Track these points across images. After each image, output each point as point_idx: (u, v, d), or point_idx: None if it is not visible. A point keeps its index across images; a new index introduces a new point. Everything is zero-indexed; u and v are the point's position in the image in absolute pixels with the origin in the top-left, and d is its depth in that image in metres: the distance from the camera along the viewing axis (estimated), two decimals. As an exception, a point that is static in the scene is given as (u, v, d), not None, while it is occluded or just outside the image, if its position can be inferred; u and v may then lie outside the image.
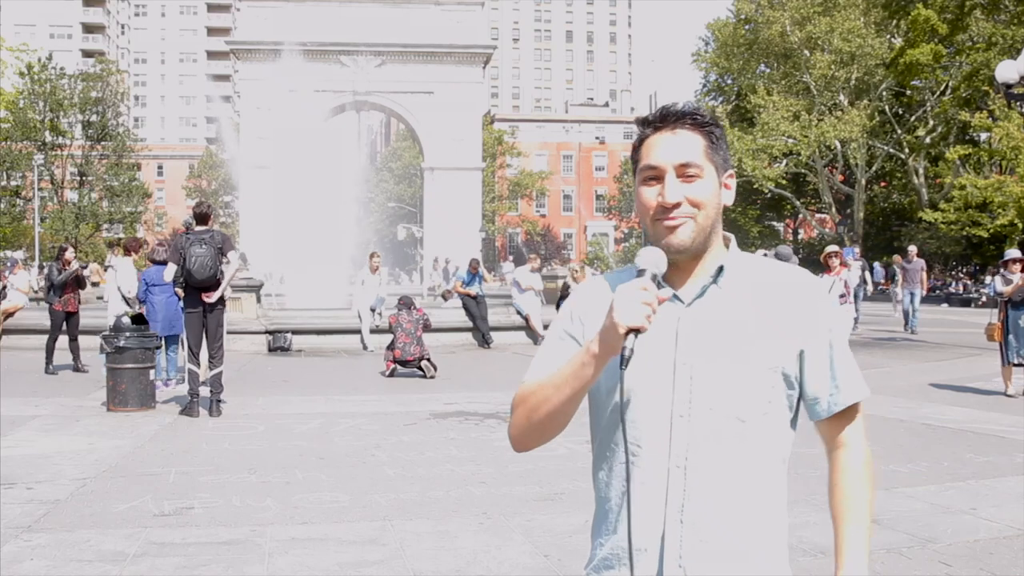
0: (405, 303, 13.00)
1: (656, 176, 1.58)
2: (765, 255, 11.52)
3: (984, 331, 11.27)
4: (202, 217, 9.31)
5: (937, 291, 36.17)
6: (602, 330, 1.47)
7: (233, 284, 17.00)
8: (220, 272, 9.04)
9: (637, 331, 1.42)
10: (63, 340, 12.79)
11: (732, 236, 1.69)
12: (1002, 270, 10.98)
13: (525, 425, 1.62)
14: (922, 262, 20.42)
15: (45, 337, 12.95)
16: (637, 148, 1.64)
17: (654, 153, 1.59)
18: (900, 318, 20.19)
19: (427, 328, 12.78)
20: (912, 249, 21.00)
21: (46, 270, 13.88)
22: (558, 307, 18.55)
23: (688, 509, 1.52)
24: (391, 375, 12.46)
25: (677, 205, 1.55)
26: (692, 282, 1.60)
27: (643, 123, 1.64)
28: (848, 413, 1.64)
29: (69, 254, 12.86)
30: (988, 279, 40.74)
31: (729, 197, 1.64)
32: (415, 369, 12.48)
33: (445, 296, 18.23)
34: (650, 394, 1.55)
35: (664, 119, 1.60)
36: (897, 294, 22.47)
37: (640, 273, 1.49)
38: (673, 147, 1.58)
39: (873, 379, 11.77)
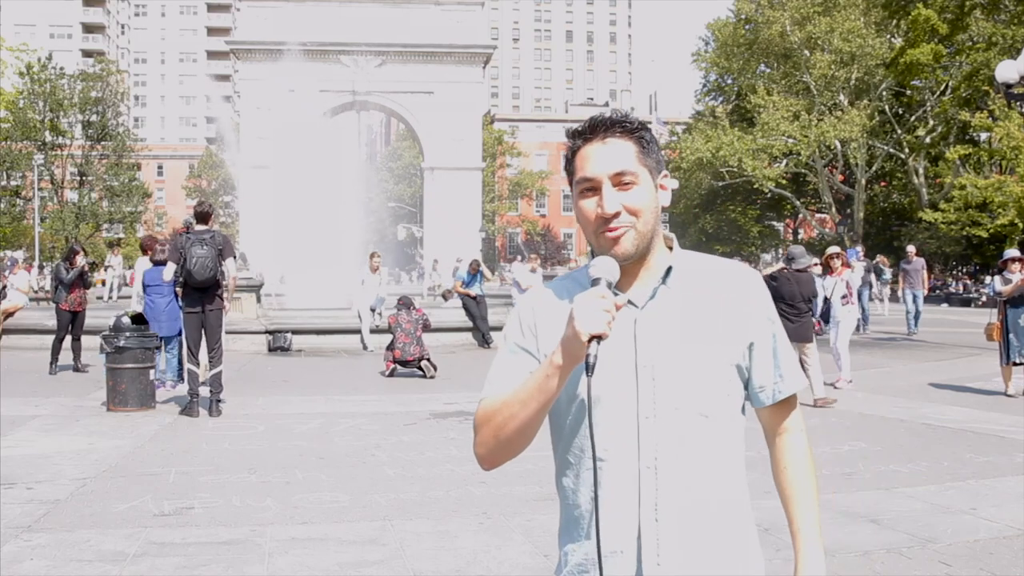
0: (404, 303, 13.01)
1: (592, 187, 1.60)
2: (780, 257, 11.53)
3: (984, 331, 11.28)
4: (203, 216, 9.31)
5: (937, 291, 36.18)
6: (563, 340, 1.49)
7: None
8: (220, 273, 9.05)
9: (599, 338, 1.44)
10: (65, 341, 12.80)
11: (674, 236, 1.71)
12: (1003, 271, 10.99)
13: (493, 443, 1.63)
14: (922, 261, 20.12)
15: (45, 337, 12.96)
16: (571, 160, 1.65)
17: (588, 165, 1.60)
18: (901, 319, 20.14)
19: (426, 328, 12.78)
20: (911, 249, 20.66)
21: (54, 269, 13.91)
22: None
23: (662, 507, 1.55)
24: (391, 375, 12.46)
25: (616, 214, 1.58)
26: (641, 285, 1.63)
27: (573, 135, 1.65)
28: (789, 401, 1.72)
29: (80, 259, 12.87)
30: (988, 279, 40.77)
31: (666, 198, 1.67)
32: (415, 369, 12.49)
33: (446, 296, 18.23)
34: (615, 398, 1.57)
35: (594, 129, 1.62)
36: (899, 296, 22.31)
37: (595, 282, 1.51)
38: (606, 157, 1.60)
39: (873, 379, 11.83)
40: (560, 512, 1.70)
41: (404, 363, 12.42)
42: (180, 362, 10.76)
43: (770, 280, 10.26)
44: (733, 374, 1.63)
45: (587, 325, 1.44)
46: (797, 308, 9.97)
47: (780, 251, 58.42)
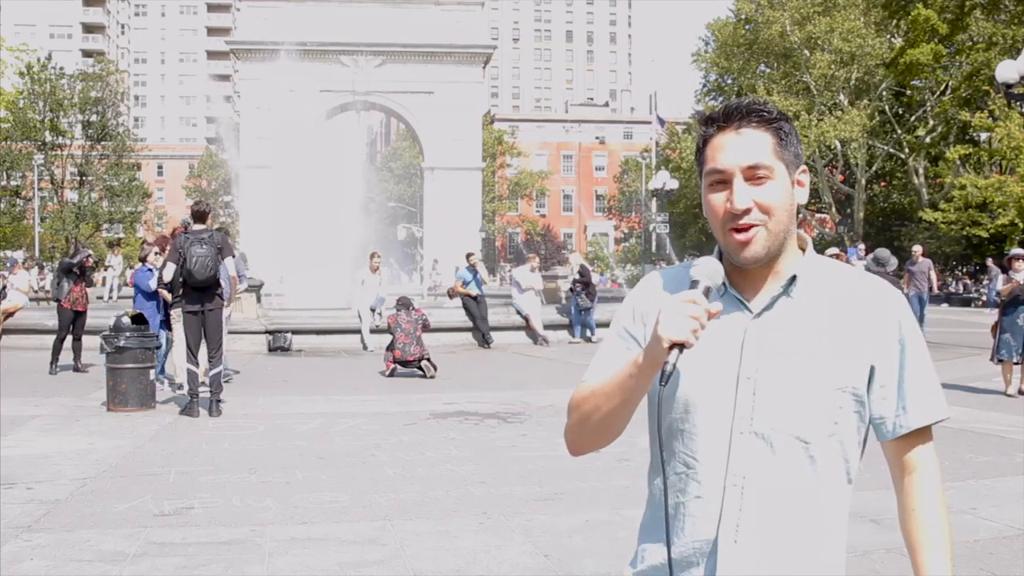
0: (404, 303, 13.01)
1: (723, 180, 1.49)
2: (864, 257, 11.56)
3: (990, 330, 11.28)
4: (200, 216, 9.32)
5: (937, 291, 36.11)
6: (648, 343, 1.41)
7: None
8: (218, 272, 9.07)
9: (682, 346, 1.35)
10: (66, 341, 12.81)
11: (809, 239, 1.59)
12: (1008, 269, 11.01)
13: (578, 431, 1.58)
14: (929, 262, 19.10)
15: (45, 337, 12.96)
16: (701, 150, 1.54)
17: (720, 155, 1.49)
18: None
19: (426, 328, 12.78)
20: (917, 249, 19.43)
21: (59, 263, 14.07)
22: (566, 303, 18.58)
23: (743, 529, 1.46)
24: (391, 375, 12.46)
25: (747, 211, 1.46)
26: (763, 291, 1.52)
27: (706, 122, 1.54)
28: (919, 435, 1.56)
29: (85, 251, 13.08)
30: (986, 279, 40.77)
31: (803, 195, 1.55)
32: (415, 369, 12.49)
33: (450, 294, 18.24)
34: (710, 407, 1.49)
35: (728, 117, 1.51)
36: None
37: (693, 284, 1.42)
38: (739, 148, 1.48)
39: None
40: (645, 506, 1.64)
41: (404, 363, 12.43)
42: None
43: None
44: (846, 400, 1.49)
45: (669, 331, 1.35)
46: None
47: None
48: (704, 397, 1.50)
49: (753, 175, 1.48)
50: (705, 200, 1.53)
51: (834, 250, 12.53)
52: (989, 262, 32.20)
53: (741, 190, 1.47)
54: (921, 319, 18.22)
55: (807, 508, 1.48)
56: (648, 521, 1.62)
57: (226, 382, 11.11)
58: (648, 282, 1.64)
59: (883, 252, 10.96)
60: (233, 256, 9.72)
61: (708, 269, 1.44)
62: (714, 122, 1.52)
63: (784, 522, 1.47)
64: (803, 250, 1.57)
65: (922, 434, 1.57)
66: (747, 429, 1.47)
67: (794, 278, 1.51)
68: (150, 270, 11.23)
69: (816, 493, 1.49)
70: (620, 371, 1.48)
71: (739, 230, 1.48)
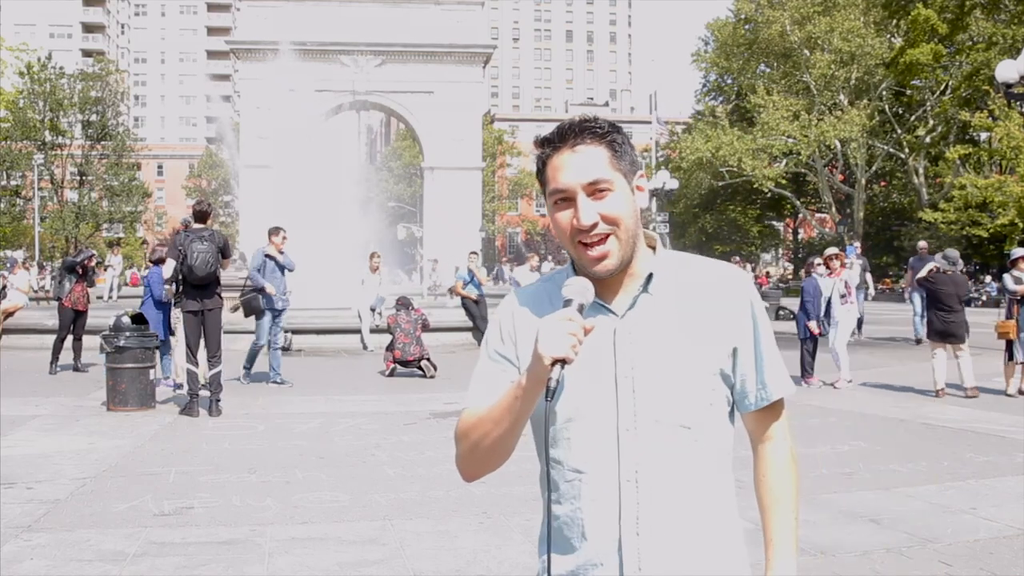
0: (403, 303, 13.01)
1: (567, 198, 1.54)
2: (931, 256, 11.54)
3: (995, 329, 11.21)
4: (201, 215, 9.33)
5: None
6: (530, 363, 1.45)
7: (233, 284, 17.03)
8: (218, 270, 9.09)
9: (564, 361, 1.40)
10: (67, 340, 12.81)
11: (657, 236, 1.66)
12: (1012, 269, 11.00)
13: (470, 458, 1.63)
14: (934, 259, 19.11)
15: (45, 337, 12.96)
16: (541, 171, 1.59)
17: (560, 175, 1.54)
18: (902, 318, 19.90)
19: (426, 328, 12.78)
20: (922, 244, 18.48)
21: (61, 261, 14.10)
22: None
23: (643, 521, 1.51)
24: (391, 375, 12.46)
25: (594, 225, 1.52)
26: (623, 293, 1.58)
27: (542, 143, 1.60)
28: (774, 407, 1.65)
29: (88, 251, 13.06)
30: (987, 279, 40.74)
31: (643, 199, 1.61)
32: (415, 369, 12.48)
33: (452, 292, 18.23)
34: (594, 411, 1.54)
35: (563, 137, 1.57)
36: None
37: (566, 303, 1.46)
38: (577, 166, 1.54)
39: (873, 379, 11.81)
40: (542, 519, 1.67)
41: (404, 363, 12.43)
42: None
43: (928, 281, 10.58)
44: (717, 382, 1.57)
45: (550, 349, 1.40)
46: (954, 308, 10.45)
47: (780, 251, 58.44)
48: (586, 403, 1.54)
49: (594, 190, 1.53)
50: (552, 219, 1.59)
51: (833, 249, 12.49)
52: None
53: (585, 206, 1.53)
54: (924, 320, 17.63)
55: (699, 489, 1.55)
56: (545, 533, 1.65)
57: (279, 383, 11.18)
58: (509, 303, 1.69)
59: (953, 252, 11.11)
60: (233, 255, 9.74)
61: (579, 287, 1.48)
62: (550, 143, 1.58)
63: (681, 506, 1.53)
64: (653, 248, 1.64)
65: (778, 405, 1.66)
66: (632, 426, 1.53)
67: (651, 276, 1.58)
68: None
69: (704, 473, 1.55)
70: (505, 395, 1.53)
71: (589, 245, 1.54)
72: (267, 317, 11.41)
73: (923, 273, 11.26)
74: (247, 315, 11.33)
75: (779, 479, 1.64)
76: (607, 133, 1.57)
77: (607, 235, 1.53)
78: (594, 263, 1.54)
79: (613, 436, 1.53)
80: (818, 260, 12.11)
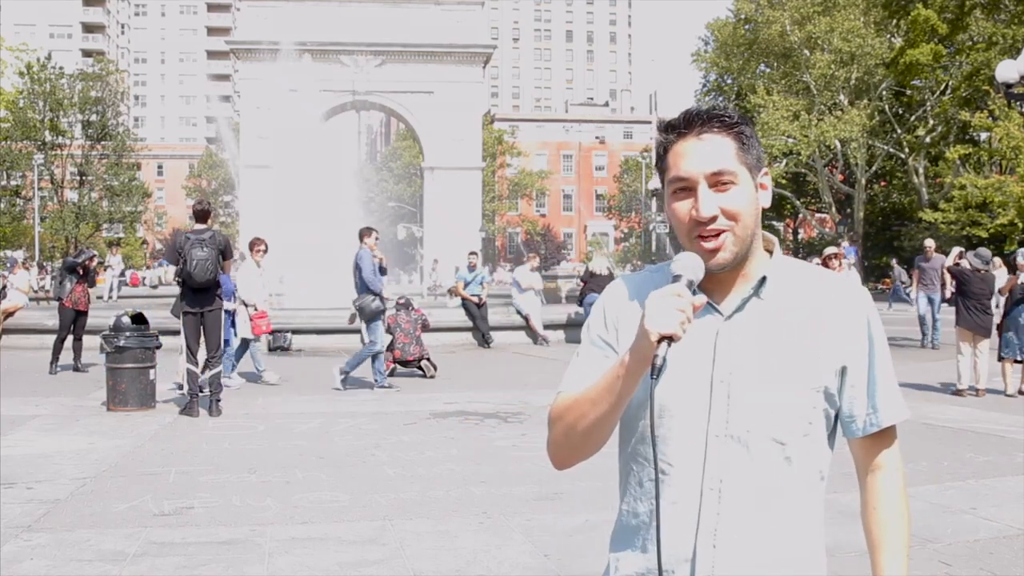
0: (404, 303, 13.01)
1: (687, 187, 1.48)
2: (962, 252, 11.63)
3: (995, 329, 11.30)
4: (202, 215, 9.33)
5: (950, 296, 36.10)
6: (635, 340, 1.39)
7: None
8: (219, 274, 9.10)
9: (671, 339, 1.34)
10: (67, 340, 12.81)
11: (775, 240, 1.59)
12: (1018, 270, 11.04)
13: (563, 443, 1.54)
14: (943, 259, 16.56)
15: (45, 337, 12.97)
16: (662, 157, 1.52)
17: (682, 163, 1.48)
18: (900, 318, 19.75)
19: (425, 328, 12.78)
20: (929, 243, 17.33)
21: (61, 262, 14.10)
22: (580, 302, 18.48)
23: (721, 533, 1.45)
24: (391, 375, 12.45)
25: (713, 218, 1.46)
26: (733, 294, 1.52)
27: (666, 129, 1.53)
28: (886, 434, 1.57)
29: (89, 251, 13.05)
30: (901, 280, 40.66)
31: (766, 198, 1.54)
32: (415, 369, 12.48)
33: (451, 293, 18.22)
34: (685, 411, 1.48)
35: (689, 124, 1.50)
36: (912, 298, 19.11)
37: (675, 279, 1.40)
38: (702, 155, 1.47)
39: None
40: (617, 515, 1.62)
41: (404, 363, 12.43)
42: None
43: (962, 277, 10.94)
44: (819, 400, 1.49)
45: (657, 324, 1.33)
46: (985, 305, 10.73)
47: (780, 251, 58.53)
48: (678, 401, 1.48)
49: (717, 181, 1.47)
50: (669, 208, 1.52)
51: (832, 249, 12.48)
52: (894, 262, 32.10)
53: (706, 197, 1.46)
54: (934, 324, 16.42)
55: (785, 509, 1.48)
56: (619, 530, 1.59)
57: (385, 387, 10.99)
58: (616, 288, 1.62)
59: (985, 251, 11.23)
60: (234, 257, 9.72)
61: (689, 263, 1.43)
62: (675, 129, 1.51)
63: (763, 524, 1.46)
64: (770, 252, 1.57)
65: (889, 432, 1.58)
66: (723, 432, 1.46)
67: (764, 279, 1.51)
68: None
69: (793, 493, 1.48)
70: (606, 375, 1.45)
71: (706, 238, 1.47)
72: (381, 320, 11.16)
73: (950, 261, 11.47)
74: (365, 320, 11.07)
75: (891, 512, 1.56)
76: (736, 124, 1.50)
77: (724, 231, 1.47)
78: (709, 255, 1.46)
79: (702, 440, 1.47)
80: (817, 260, 12.08)
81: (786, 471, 1.47)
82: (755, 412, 1.46)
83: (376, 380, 11.19)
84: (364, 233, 11.37)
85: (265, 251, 12.09)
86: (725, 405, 1.47)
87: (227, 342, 10.90)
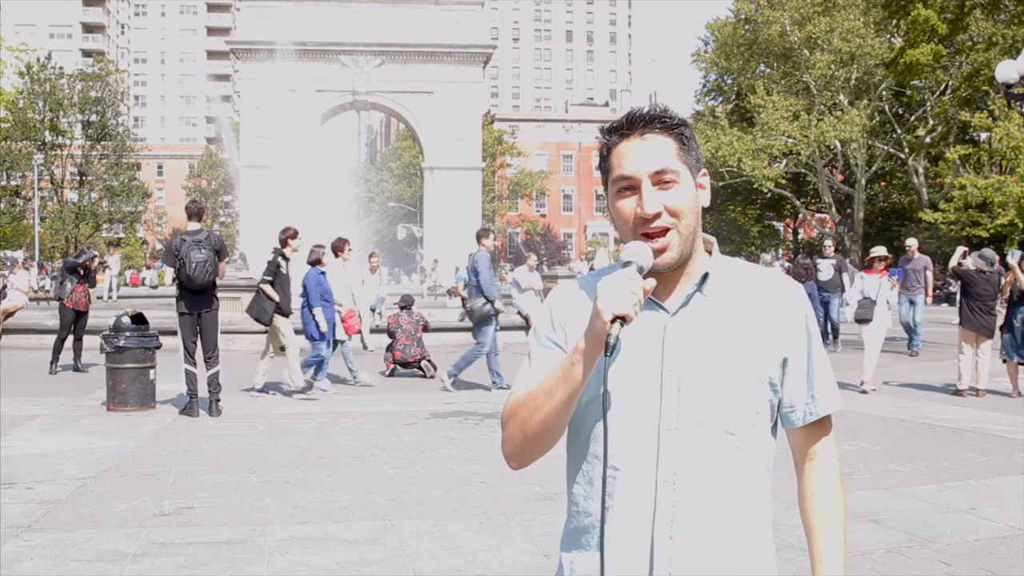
0: (405, 304, 13.01)
1: (631, 186, 1.52)
2: (967, 253, 11.57)
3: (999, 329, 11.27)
4: (196, 214, 9.31)
5: (937, 290, 36.12)
6: (588, 324, 1.43)
7: (233, 284, 17.05)
8: (216, 276, 9.10)
9: (623, 320, 1.38)
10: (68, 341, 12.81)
11: (714, 240, 1.63)
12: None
13: (519, 439, 1.54)
14: (926, 260, 16.20)
15: (45, 337, 12.97)
16: (605, 158, 1.57)
17: (626, 162, 1.52)
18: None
19: (426, 329, 12.79)
20: (911, 243, 16.32)
21: (62, 263, 14.04)
22: None
23: (678, 524, 1.48)
24: (391, 375, 12.46)
25: (657, 215, 1.50)
26: (677, 291, 1.55)
27: (609, 131, 1.57)
28: (823, 423, 1.62)
29: (90, 251, 13.03)
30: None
31: (705, 197, 1.59)
32: (415, 369, 12.49)
33: (451, 293, 18.23)
34: (636, 406, 1.50)
35: (632, 125, 1.54)
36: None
37: (626, 265, 1.45)
38: (645, 154, 1.51)
39: (873, 379, 11.74)
40: (567, 516, 1.62)
41: (405, 364, 12.43)
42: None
43: (967, 278, 10.90)
44: (764, 390, 1.54)
45: (611, 305, 1.38)
46: (989, 306, 10.70)
47: (780, 251, 58.48)
48: (629, 397, 1.50)
49: (660, 180, 1.51)
50: (613, 207, 1.56)
51: (880, 250, 11.72)
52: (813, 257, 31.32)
53: (650, 195, 1.50)
54: (915, 328, 15.27)
55: (738, 497, 1.51)
56: (571, 530, 1.60)
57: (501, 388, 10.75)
58: (562, 291, 1.65)
59: (989, 252, 11.17)
60: (228, 258, 9.70)
61: (639, 250, 1.47)
62: (618, 130, 1.56)
63: (717, 513, 1.49)
64: (709, 252, 1.61)
65: (826, 421, 1.63)
66: (674, 425, 1.49)
67: (706, 276, 1.56)
68: (323, 273, 10.93)
69: (744, 483, 1.52)
70: (561, 365, 1.48)
71: (651, 236, 1.51)
72: (494, 323, 11.01)
73: (955, 261, 11.44)
74: (474, 322, 10.97)
75: (828, 498, 1.60)
76: (676, 125, 1.55)
77: (668, 228, 1.51)
78: (655, 255, 1.50)
79: (654, 434, 1.49)
80: (820, 260, 11.94)
81: (737, 460, 1.51)
82: (706, 404, 1.49)
83: (495, 382, 11.05)
84: (482, 235, 11.21)
85: (350, 251, 11.88)
86: (676, 399, 1.49)
87: (322, 343, 10.76)
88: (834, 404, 1.61)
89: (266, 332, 10.62)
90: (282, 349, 10.63)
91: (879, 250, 11.66)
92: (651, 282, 1.45)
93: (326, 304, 10.70)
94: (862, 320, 11.05)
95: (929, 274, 15.62)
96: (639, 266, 1.45)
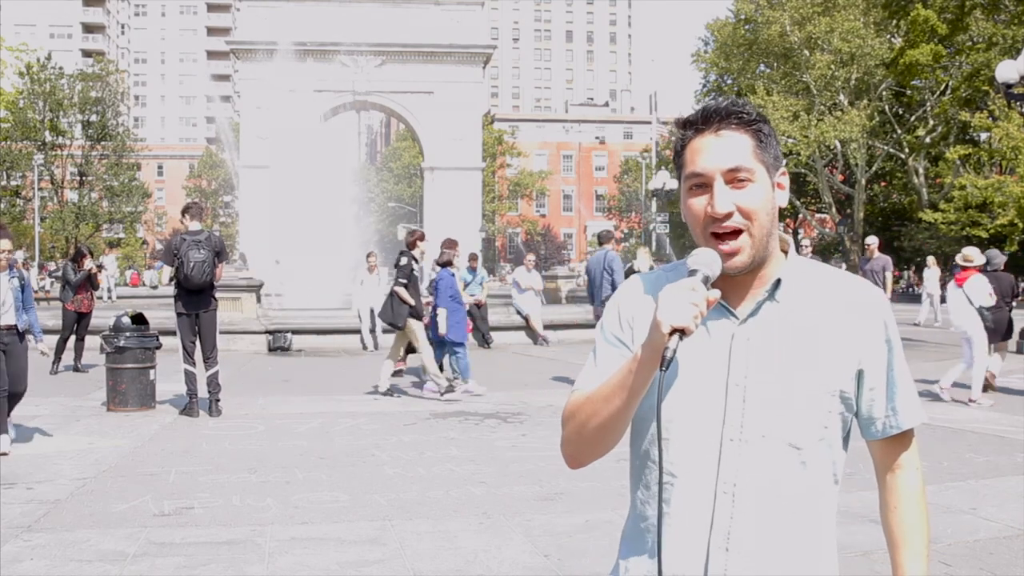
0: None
1: (703, 184, 1.46)
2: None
3: (1020, 333, 11.15)
4: (196, 213, 9.30)
5: (890, 296, 36.03)
6: (647, 333, 1.39)
7: (233, 284, 17.04)
8: (215, 276, 9.09)
9: (683, 332, 1.33)
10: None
11: (790, 240, 1.56)
12: None
13: (576, 440, 1.53)
14: (886, 259, 14.73)
15: (45, 337, 12.91)
16: (680, 153, 1.51)
17: (699, 159, 1.46)
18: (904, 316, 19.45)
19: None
20: (871, 241, 14.89)
21: (61, 270, 13.93)
22: None
23: (735, 536, 1.44)
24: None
25: (728, 215, 1.44)
26: (749, 297, 1.50)
27: (684, 125, 1.51)
28: (904, 436, 1.57)
29: (88, 263, 12.87)
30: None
31: (783, 198, 1.52)
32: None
33: None
34: (700, 415, 1.47)
35: (707, 119, 1.48)
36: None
37: (691, 273, 1.40)
38: (719, 151, 1.45)
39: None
40: (627, 518, 1.60)
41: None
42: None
43: (995, 319, 10.58)
44: (835, 404, 1.48)
45: (670, 316, 1.33)
46: (998, 306, 10.44)
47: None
48: (691, 406, 1.47)
49: (734, 178, 1.45)
50: (685, 205, 1.51)
51: (973, 251, 11.07)
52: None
53: (722, 193, 1.45)
54: None
55: (798, 513, 1.47)
56: (629, 532, 1.58)
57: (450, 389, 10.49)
58: (631, 287, 1.61)
59: (993, 252, 11.08)
60: (228, 259, 9.69)
61: (706, 258, 1.42)
62: (692, 124, 1.50)
63: (776, 528, 1.45)
64: (785, 253, 1.55)
65: (908, 434, 1.58)
66: (737, 436, 1.45)
67: (779, 282, 1.49)
68: (453, 274, 10.88)
69: (807, 497, 1.47)
70: (618, 371, 1.45)
71: (721, 237, 1.46)
72: None
73: (983, 302, 10.29)
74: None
75: (911, 511, 1.56)
76: (754, 121, 1.48)
77: (740, 230, 1.45)
78: (727, 257, 1.44)
79: (716, 444, 1.46)
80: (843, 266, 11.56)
81: (801, 475, 1.46)
82: (771, 416, 1.45)
83: None
84: (607, 238, 11.19)
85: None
86: (740, 409, 1.45)
87: (462, 345, 10.66)
88: (916, 418, 1.55)
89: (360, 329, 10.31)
90: (411, 352, 10.51)
91: (972, 251, 10.53)
92: (716, 292, 1.39)
93: (457, 306, 10.66)
94: (994, 331, 10.39)
95: (888, 275, 14.59)
96: (705, 275, 1.40)
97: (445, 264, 10.76)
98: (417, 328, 10.25)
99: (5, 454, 6.90)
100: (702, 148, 1.47)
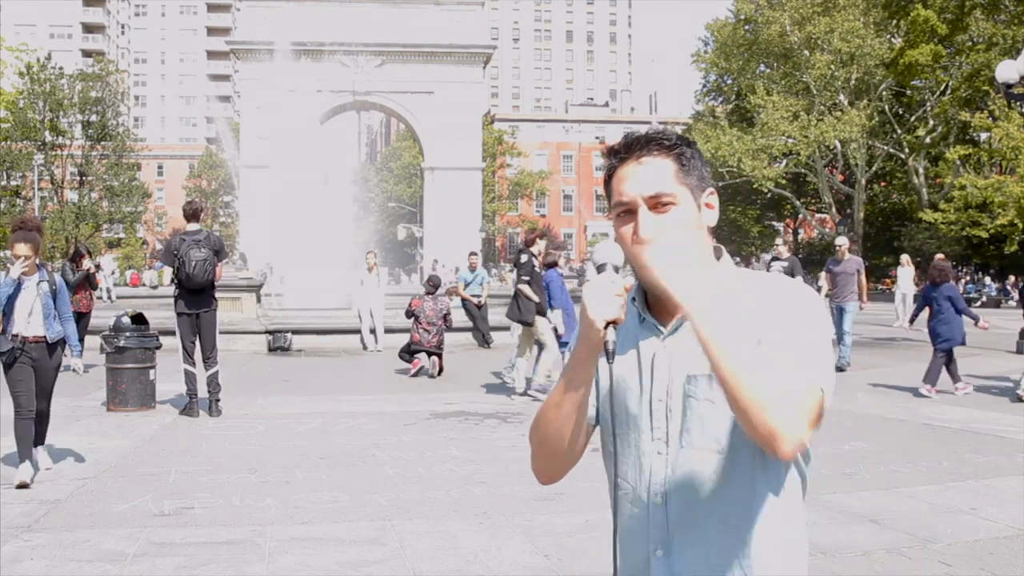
0: (434, 284, 12.91)
1: (629, 211, 1.51)
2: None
3: (1020, 334, 11.09)
4: (194, 214, 9.29)
5: (864, 304, 35.83)
6: (581, 333, 1.44)
7: (233, 284, 17.04)
8: (215, 275, 9.09)
9: (614, 323, 1.39)
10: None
11: (723, 249, 1.59)
12: None
13: (540, 453, 1.61)
14: (859, 261, 13.78)
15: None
16: (607, 182, 1.57)
17: (623, 187, 1.52)
18: (893, 315, 19.51)
19: (447, 321, 12.63)
20: (842, 242, 13.89)
21: (59, 269, 13.91)
22: None
23: (672, 544, 1.51)
24: (416, 375, 12.33)
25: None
26: (679, 313, 1.51)
27: (609, 154, 1.57)
28: None
29: (86, 263, 12.85)
30: (987, 279, 40.73)
31: (712, 217, 1.56)
32: (431, 357, 12.37)
33: (450, 293, 18.21)
34: (632, 429, 1.55)
35: (629, 149, 1.53)
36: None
37: (601, 268, 1.45)
38: (641, 178, 1.50)
39: (873, 379, 11.80)
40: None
41: (417, 351, 12.32)
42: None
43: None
44: None
45: (600, 311, 1.39)
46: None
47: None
48: (626, 421, 1.55)
49: (657, 203, 1.50)
50: (616, 232, 1.56)
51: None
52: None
53: (646, 219, 1.49)
54: (840, 337, 12.84)
55: (733, 516, 1.50)
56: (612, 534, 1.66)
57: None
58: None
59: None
60: (228, 257, 9.68)
61: (608, 250, 1.47)
62: (616, 154, 1.55)
63: (712, 534, 1.50)
64: (719, 261, 1.57)
65: None
66: (663, 449, 1.52)
67: None
68: (561, 274, 10.74)
69: (740, 500, 1.50)
70: (561, 375, 1.53)
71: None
72: None
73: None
74: None
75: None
76: (675, 145, 1.52)
77: None
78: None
79: (647, 456, 1.54)
80: (774, 263, 10.97)
81: (731, 479, 1.49)
82: (694, 427, 1.50)
83: None
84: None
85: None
86: (664, 423, 1.52)
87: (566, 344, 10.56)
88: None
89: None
90: (537, 346, 10.45)
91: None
92: (629, 280, 1.46)
93: (572, 306, 10.55)
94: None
95: (862, 277, 13.52)
96: (614, 266, 1.46)
97: (551, 264, 10.68)
98: (542, 324, 10.20)
99: (26, 485, 5.94)
100: (626, 176, 1.52)
